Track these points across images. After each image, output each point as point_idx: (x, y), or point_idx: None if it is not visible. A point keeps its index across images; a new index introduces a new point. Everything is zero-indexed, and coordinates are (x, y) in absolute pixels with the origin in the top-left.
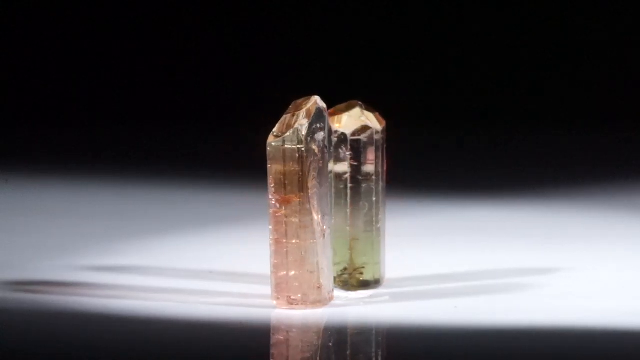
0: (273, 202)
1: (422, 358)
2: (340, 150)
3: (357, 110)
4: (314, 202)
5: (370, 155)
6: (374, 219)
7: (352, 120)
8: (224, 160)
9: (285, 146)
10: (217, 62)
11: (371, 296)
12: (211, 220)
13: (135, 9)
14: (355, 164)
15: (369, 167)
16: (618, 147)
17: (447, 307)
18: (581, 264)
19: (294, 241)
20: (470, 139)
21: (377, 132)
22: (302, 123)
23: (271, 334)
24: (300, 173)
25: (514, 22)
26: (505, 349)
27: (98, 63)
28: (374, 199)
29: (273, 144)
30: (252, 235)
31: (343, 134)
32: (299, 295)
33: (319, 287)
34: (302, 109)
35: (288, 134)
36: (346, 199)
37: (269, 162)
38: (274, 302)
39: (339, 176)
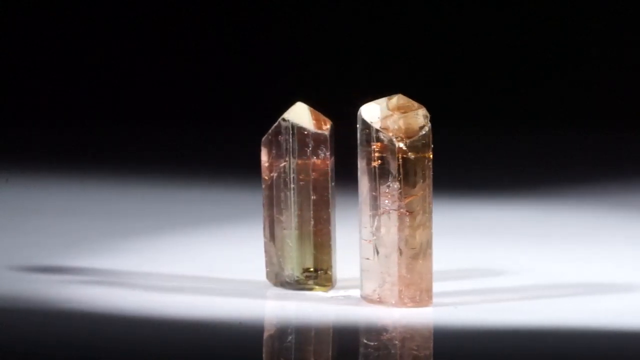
0: (402, 203)
1: (421, 358)
2: (320, 151)
3: (304, 107)
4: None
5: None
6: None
7: (308, 115)
8: (224, 160)
9: (423, 148)
10: (216, 62)
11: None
12: (211, 220)
13: (136, 9)
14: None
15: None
16: (618, 147)
17: (446, 307)
18: (581, 264)
19: (417, 238)
20: (470, 139)
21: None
22: (424, 122)
23: (384, 334)
24: (431, 173)
25: (514, 22)
26: (505, 348)
27: (98, 63)
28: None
29: (410, 149)
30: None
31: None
32: (421, 294)
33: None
34: (414, 109)
35: (418, 135)
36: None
37: (404, 165)
38: (393, 302)
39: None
